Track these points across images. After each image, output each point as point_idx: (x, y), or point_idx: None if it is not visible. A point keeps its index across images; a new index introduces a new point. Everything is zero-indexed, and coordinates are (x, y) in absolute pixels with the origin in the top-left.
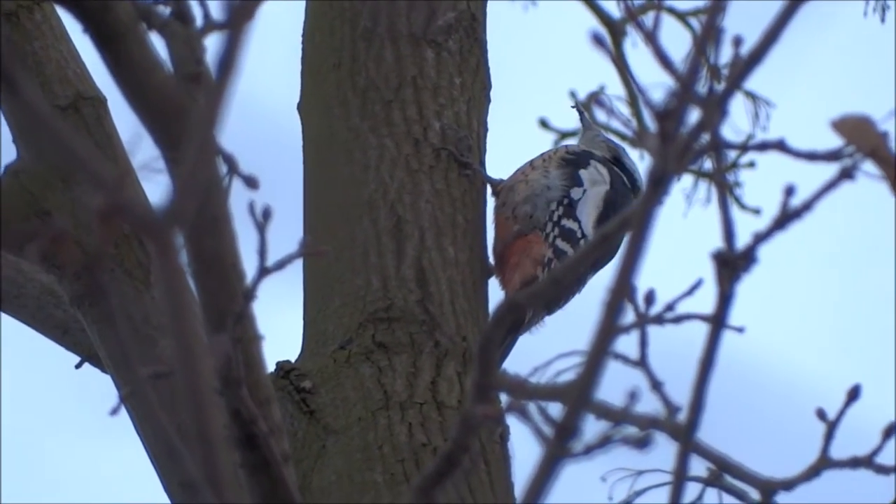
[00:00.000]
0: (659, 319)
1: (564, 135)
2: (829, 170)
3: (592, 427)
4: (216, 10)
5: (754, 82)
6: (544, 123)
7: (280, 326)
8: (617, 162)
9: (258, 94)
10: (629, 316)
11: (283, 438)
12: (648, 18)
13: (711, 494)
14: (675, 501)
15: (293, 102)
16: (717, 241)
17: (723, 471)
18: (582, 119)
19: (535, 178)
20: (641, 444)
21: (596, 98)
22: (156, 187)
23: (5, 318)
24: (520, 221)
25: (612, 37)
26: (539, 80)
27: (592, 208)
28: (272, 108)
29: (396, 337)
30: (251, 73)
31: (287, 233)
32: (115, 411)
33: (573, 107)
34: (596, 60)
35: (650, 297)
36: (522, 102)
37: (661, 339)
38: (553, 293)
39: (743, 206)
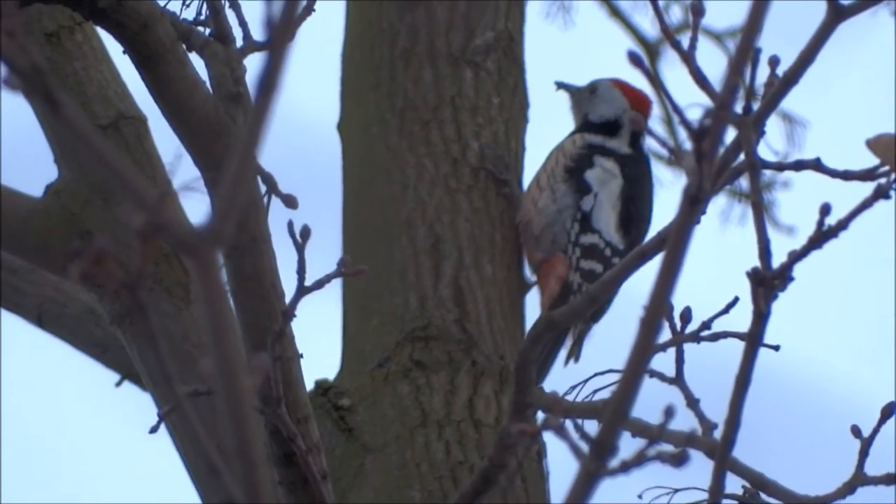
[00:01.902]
0: (695, 337)
1: None
2: (864, 188)
3: (629, 444)
4: (256, 31)
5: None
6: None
7: (319, 345)
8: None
9: (298, 113)
10: (665, 334)
11: (321, 456)
12: (684, 38)
13: None
14: None
15: (333, 122)
16: (752, 260)
17: (758, 489)
18: (568, 91)
19: (545, 205)
20: (677, 461)
21: (632, 117)
22: (196, 207)
23: (48, 336)
24: (543, 249)
25: (648, 57)
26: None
27: (610, 210)
28: (312, 127)
29: (434, 355)
30: (291, 93)
31: (326, 252)
32: (154, 429)
33: (558, 89)
34: (633, 80)
35: (686, 316)
36: (559, 122)
37: (697, 357)
38: (589, 311)
39: (777, 225)
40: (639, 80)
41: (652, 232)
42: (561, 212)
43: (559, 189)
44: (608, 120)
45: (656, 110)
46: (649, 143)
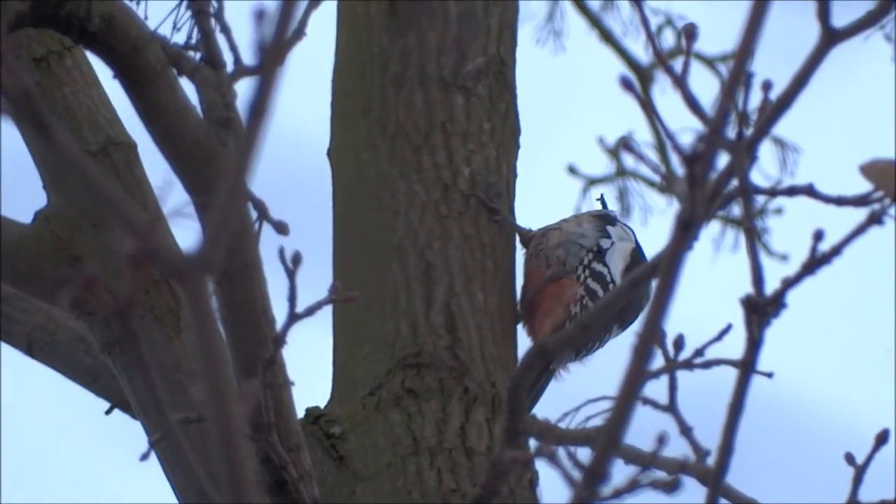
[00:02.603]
0: (688, 364)
1: (592, 181)
2: (858, 214)
3: (621, 471)
4: (246, 55)
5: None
6: (573, 170)
7: (309, 372)
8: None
9: (289, 138)
10: (658, 361)
11: (312, 484)
12: (677, 64)
13: None
14: None
15: (323, 147)
16: (745, 287)
17: None
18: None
19: (568, 228)
20: (670, 488)
21: (625, 143)
22: (186, 233)
23: (37, 364)
24: (553, 266)
25: (640, 82)
26: (568, 125)
27: (620, 259)
28: (303, 152)
29: (426, 383)
30: (282, 118)
31: (317, 278)
32: (145, 456)
33: (597, 200)
34: (624, 106)
35: (679, 343)
36: (551, 148)
37: (690, 384)
38: (581, 338)
39: (770, 252)
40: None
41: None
42: (582, 236)
43: (584, 225)
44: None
45: (647, 137)
46: (641, 170)
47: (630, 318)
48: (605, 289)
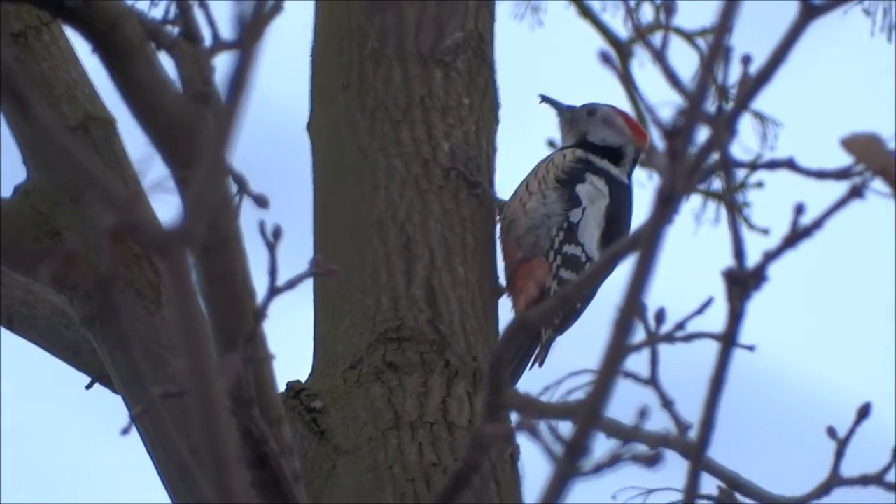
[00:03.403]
0: (669, 338)
1: None
2: (839, 188)
3: (603, 445)
4: (225, 30)
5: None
6: (552, 144)
7: (290, 346)
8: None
9: (268, 112)
10: (639, 335)
11: (293, 458)
12: (656, 38)
13: None
14: None
15: (303, 121)
16: (726, 260)
17: (733, 489)
18: (556, 107)
19: (533, 207)
20: (652, 462)
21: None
22: (166, 207)
23: (16, 338)
24: (524, 250)
25: (619, 57)
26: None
27: (595, 227)
28: (283, 126)
29: (407, 357)
30: (261, 92)
31: (297, 252)
32: (126, 431)
33: (542, 102)
34: (604, 80)
35: (660, 316)
36: (531, 122)
37: (671, 358)
38: (562, 311)
39: (752, 226)
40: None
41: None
42: (549, 217)
43: (550, 196)
44: (610, 146)
45: (629, 110)
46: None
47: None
48: (579, 273)
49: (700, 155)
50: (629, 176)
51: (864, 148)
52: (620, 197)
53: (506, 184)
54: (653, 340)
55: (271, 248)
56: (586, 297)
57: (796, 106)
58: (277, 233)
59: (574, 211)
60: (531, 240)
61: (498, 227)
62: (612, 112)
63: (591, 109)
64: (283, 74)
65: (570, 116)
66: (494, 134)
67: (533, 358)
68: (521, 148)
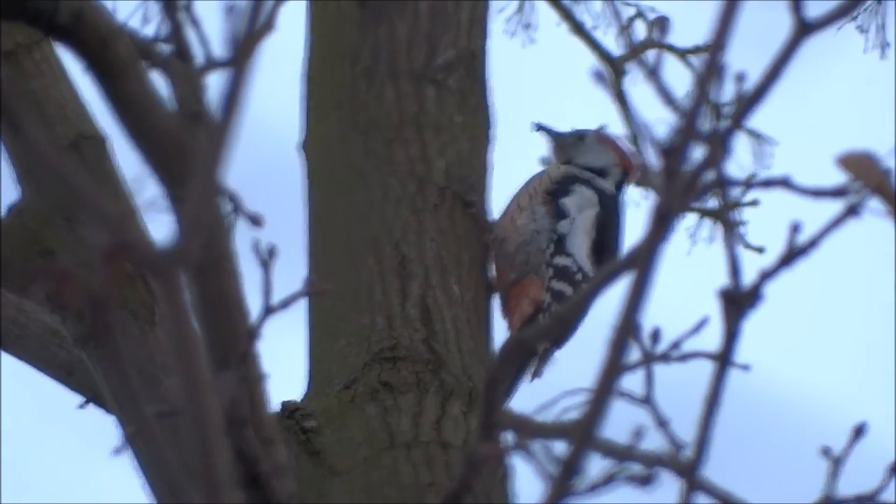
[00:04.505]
0: (665, 357)
1: None
2: (835, 207)
3: (597, 465)
4: (217, 48)
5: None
6: (546, 162)
7: (284, 366)
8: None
9: (261, 131)
10: (635, 354)
11: (287, 479)
12: (649, 56)
13: None
14: None
15: (296, 140)
16: (722, 279)
17: None
18: (549, 134)
19: (523, 224)
20: (647, 481)
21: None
22: (160, 226)
23: (8, 357)
24: (516, 270)
25: (612, 74)
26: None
27: (584, 236)
28: (276, 145)
29: (402, 376)
30: (254, 111)
31: (292, 271)
32: (119, 451)
33: (535, 130)
34: (596, 98)
35: (656, 335)
36: (523, 141)
37: (667, 377)
38: (558, 331)
39: (747, 245)
40: (604, 97)
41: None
42: (538, 232)
43: (538, 211)
44: (594, 168)
45: (622, 130)
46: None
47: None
48: (571, 283)
49: (695, 173)
50: (618, 193)
51: (860, 166)
52: (610, 206)
53: (500, 203)
54: (648, 360)
55: (265, 267)
56: (582, 314)
57: (791, 124)
58: (272, 252)
59: (562, 223)
60: (522, 258)
61: (488, 247)
62: (598, 137)
63: (579, 135)
64: (275, 93)
65: (561, 142)
66: (487, 152)
67: (530, 371)
68: (514, 167)
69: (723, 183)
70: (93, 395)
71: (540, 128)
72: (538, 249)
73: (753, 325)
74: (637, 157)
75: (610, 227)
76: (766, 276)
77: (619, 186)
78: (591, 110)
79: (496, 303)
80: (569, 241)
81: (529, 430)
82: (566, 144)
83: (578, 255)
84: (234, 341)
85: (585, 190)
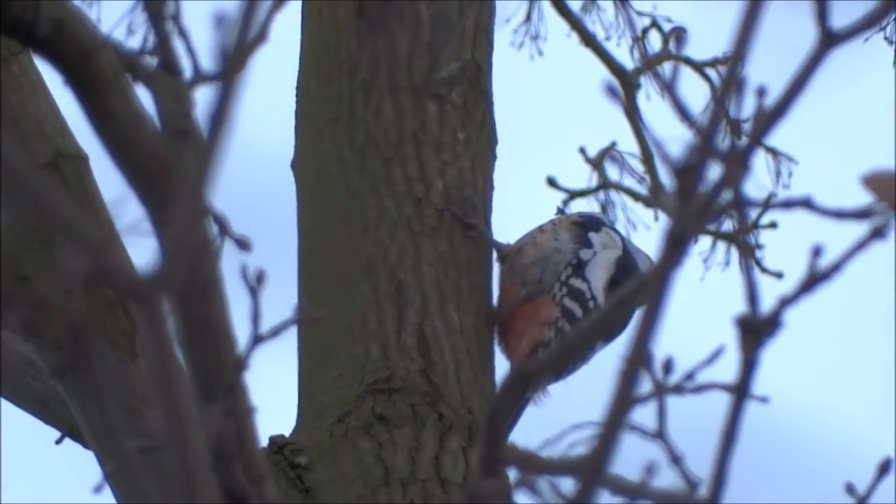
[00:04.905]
0: (678, 389)
1: (573, 194)
2: (859, 229)
3: (607, 503)
4: (206, 61)
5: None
6: (552, 182)
7: (274, 398)
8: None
9: (252, 149)
10: (646, 385)
11: None
12: (664, 69)
13: None
14: None
15: (287, 159)
16: (738, 306)
17: None
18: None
19: (543, 241)
20: None
21: (608, 153)
22: (142, 251)
23: None
24: (528, 285)
25: (624, 89)
26: (547, 134)
27: (603, 270)
28: (266, 165)
29: (397, 409)
30: (244, 128)
31: (281, 298)
32: (99, 488)
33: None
34: (607, 114)
35: (669, 366)
36: (530, 159)
37: (680, 410)
38: (564, 362)
39: (764, 270)
40: (615, 113)
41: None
42: (559, 251)
43: (562, 236)
44: None
45: (632, 147)
46: (625, 182)
47: (616, 331)
48: (583, 307)
49: (711, 194)
50: None
51: (886, 185)
52: (632, 253)
53: (503, 224)
54: (661, 391)
55: (254, 293)
56: (587, 350)
57: (813, 141)
58: (260, 277)
59: (585, 251)
60: (536, 273)
61: (497, 267)
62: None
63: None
64: (267, 109)
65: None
66: (491, 171)
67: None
68: (520, 186)
69: (740, 204)
70: (69, 430)
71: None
72: (555, 268)
73: (772, 354)
74: None
75: (629, 270)
76: (786, 302)
77: None
78: (602, 126)
79: (495, 325)
80: (587, 269)
81: (535, 465)
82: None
83: (594, 286)
84: (220, 372)
85: (613, 233)
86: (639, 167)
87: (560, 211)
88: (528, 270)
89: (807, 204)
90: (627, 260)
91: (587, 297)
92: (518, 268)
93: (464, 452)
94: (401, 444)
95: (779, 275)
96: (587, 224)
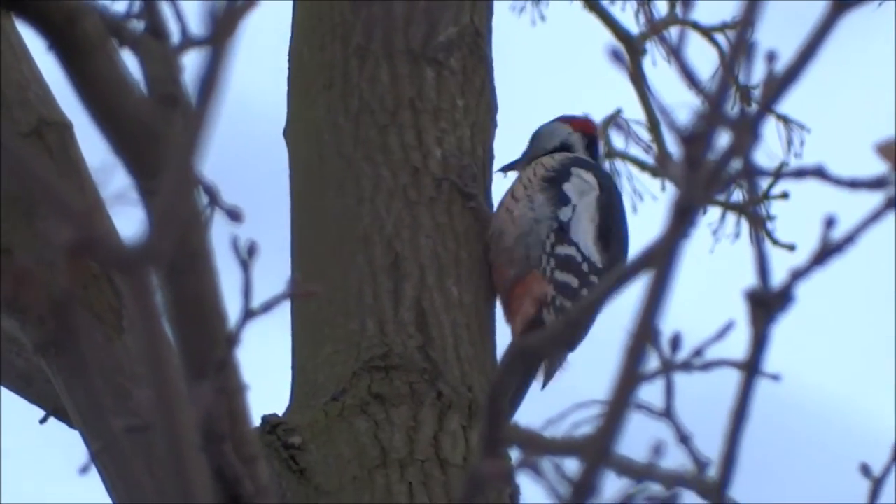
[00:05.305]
0: (686, 366)
1: None
2: (873, 199)
3: (613, 485)
4: (195, 25)
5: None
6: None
7: (266, 375)
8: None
9: (242, 116)
10: (653, 362)
11: (270, 499)
12: (671, 34)
13: None
14: None
15: (280, 126)
16: (748, 280)
17: None
18: (520, 163)
19: (521, 214)
20: (667, 502)
21: (613, 121)
22: (129, 221)
23: None
24: (516, 265)
25: (629, 54)
26: (549, 101)
27: (587, 223)
28: (257, 132)
29: (395, 387)
30: (234, 94)
31: (274, 271)
32: (85, 469)
33: (506, 175)
34: (612, 81)
35: (676, 342)
36: (532, 127)
37: (688, 387)
38: (566, 337)
39: (775, 242)
40: (620, 79)
41: (631, 249)
42: (538, 221)
43: (537, 199)
44: (556, 147)
45: (638, 114)
46: (631, 151)
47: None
48: (577, 275)
49: (720, 162)
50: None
51: None
52: (610, 186)
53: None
54: (668, 369)
55: (245, 266)
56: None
57: (826, 108)
58: (252, 249)
59: (563, 210)
60: (522, 251)
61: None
62: (545, 125)
63: (532, 137)
64: (258, 74)
65: (528, 156)
66: (491, 139)
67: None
68: (520, 154)
69: (750, 173)
70: (54, 409)
71: (508, 169)
72: (538, 240)
73: (784, 329)
74: (587, 116)
75: (614, 208)
76: (798, 275)
77: (593, 152)
78: (607, 93)
79: (499, 306)
80: (572, 229)
81: (538, 446)
82: (530, 152)
83: (584, 244)
84: (210, 348)
85: (584, 172)
86: (645, 135)
87: (506, 170)
88: (513, 251)
89: (819, 173)
90: (608, 196)
91: (578, 260)
92: (503, 250)
93: (464, 432)
94: (398, 423)
95: (790, 247)
96: (557, 177)
